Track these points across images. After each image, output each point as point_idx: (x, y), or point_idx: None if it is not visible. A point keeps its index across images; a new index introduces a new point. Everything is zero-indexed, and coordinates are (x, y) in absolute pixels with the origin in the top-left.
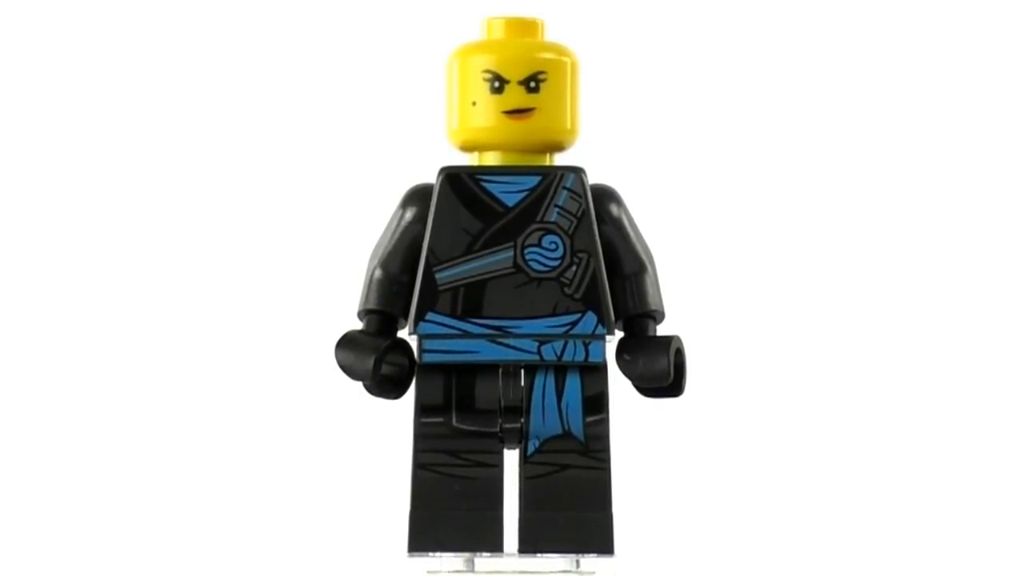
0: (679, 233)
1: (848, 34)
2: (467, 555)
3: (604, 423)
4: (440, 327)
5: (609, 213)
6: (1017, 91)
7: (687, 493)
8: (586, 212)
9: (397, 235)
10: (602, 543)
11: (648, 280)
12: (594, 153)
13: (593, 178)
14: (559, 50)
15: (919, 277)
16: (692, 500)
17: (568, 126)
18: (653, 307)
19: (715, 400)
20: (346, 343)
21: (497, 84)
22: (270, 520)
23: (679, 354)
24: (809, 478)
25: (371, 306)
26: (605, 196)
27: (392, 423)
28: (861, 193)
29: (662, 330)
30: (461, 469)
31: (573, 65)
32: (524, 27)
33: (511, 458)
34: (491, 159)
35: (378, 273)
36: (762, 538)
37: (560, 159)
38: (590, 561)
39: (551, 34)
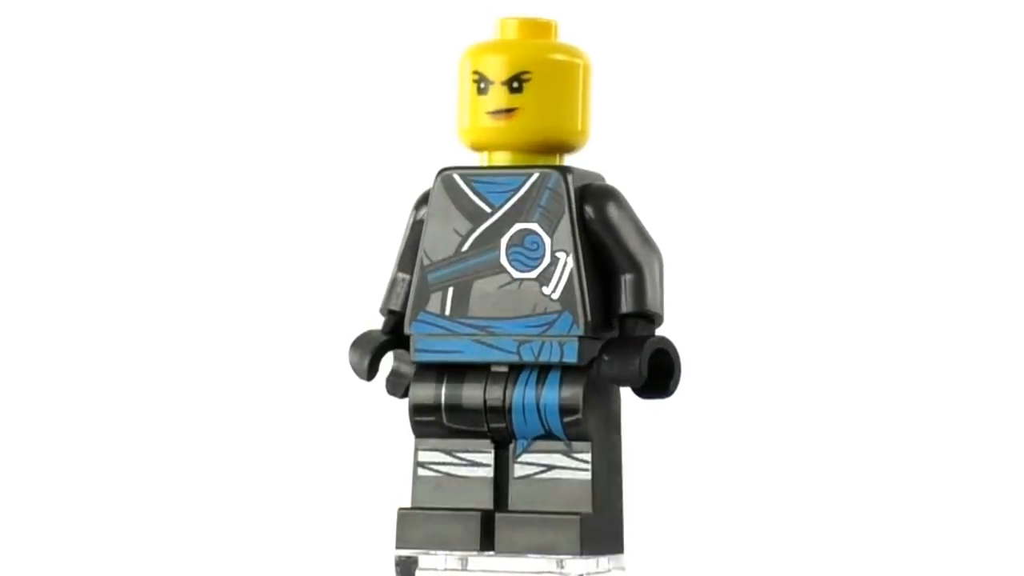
0: (687, 234)
1: (847, 34)
2: (461, 554)
3: (581, 424)
4: (431, 327)
5: (602, 212)
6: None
7: (680, 493)
8: (565, 212)
9: (407, 236)
10: (569, 544)
11: (641, 281)
12: (606, 154)
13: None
14: (548, 49)
15: (919, 279)
16: (685, 500)
17: (561, 125)
18: (640, 308)
19: (713, 400)
20: (355, 342)
21: (483, 85)
22: (274, 517)
23: (664, 354)
24: (807, 479)
25: (386, 306)
26: (600, 195)
27: (402, 421)
28: (867, 195)
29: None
30: (457, 468)
31: (568, 65)
32: (523, 27)
33: None
34: (499, 159)
35: (393, 273)
36: (756, 540)
37: (570, 160)
38: (584, 562)
39: (564, 34)
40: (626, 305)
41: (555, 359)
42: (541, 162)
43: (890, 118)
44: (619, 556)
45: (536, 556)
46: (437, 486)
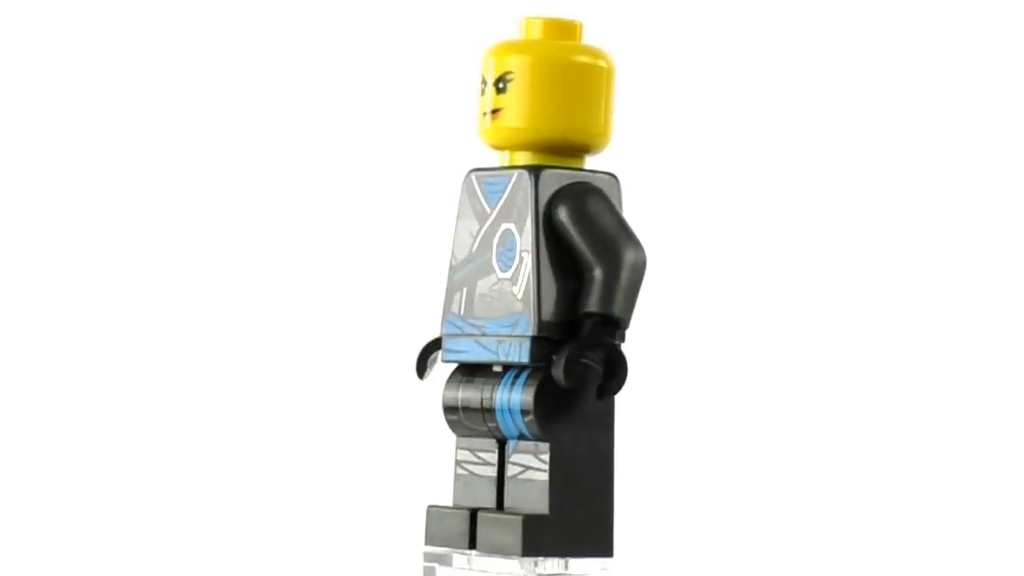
0: (705, 236)
1: (844, 33)
2: (470, 552)
3: (535, 425)
4: (453, 327)
5: (568, 211)
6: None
7: (678, 497)
8: (530, 211)
9: None
10: (512, 545)
11: (601, 282)
12: (635, 156)
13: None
14: (533, 48)
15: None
16: (683, 505)
17: (553, 125)
18: (596, 309)
19: (717, 402)
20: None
21: (482, 87)
22: (330, 514)
23: (611, 354)
24: (808, 484)
25: None
26: (571, 194)
27: None
28: (893, 194)
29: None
30: (477, 467)
31: (558, 64)
32: (532, 27)
33: None
34: (519, 159)
35: None
36: (753, 546)
37: (592, 161)
38: (554, 563)
39: (601, 36)
40: (583, 305)
41: (516, 359)
42: (554, 162)
43: (901, 119)
44: (606, 559)
45: (505, 556)
46: (466, 484)
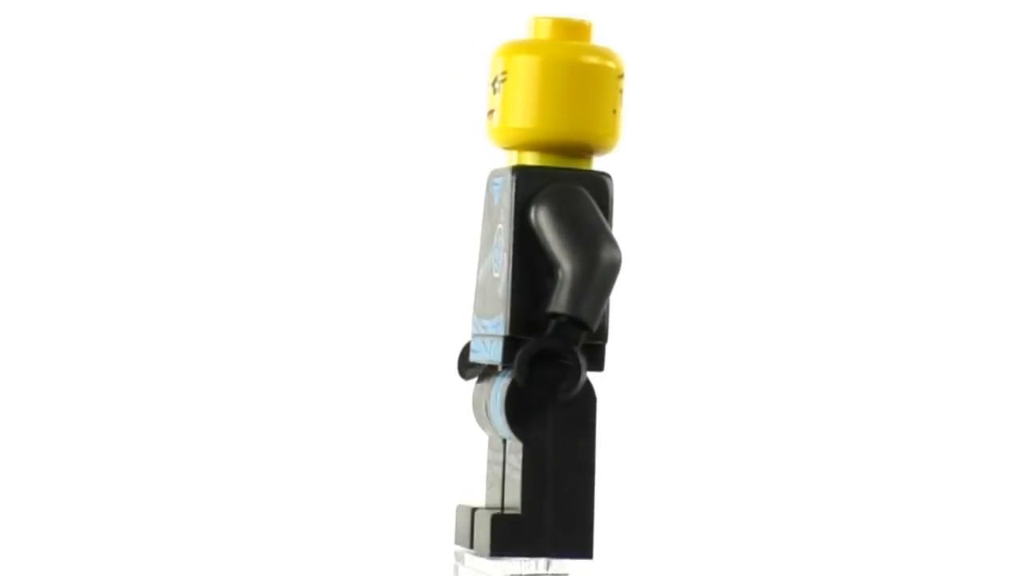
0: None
1: (848, 39)
2: (471, 551)
3: (506, 425)
4: (474, 326)
5: (543, 212)
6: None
7: (664, 499)
8: (511, 211)
9: None
10: (483, 545)
11: (568, 283)
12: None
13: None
14: (523, 48)
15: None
16: (667, 507)
17: (530, 125)
18: (561, 310)
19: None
20: None
21: (487, 88)
22: (387, 511)
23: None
24: (784, 482)
25: None
26: (547, 195)
27: None
28: (869, 199)
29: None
30: (495, 467)
31: (542, 64)
32: (543, 26)
33: None
34: (527, 159)
35: None
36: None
37: (598, 162)
38: (534, 563)
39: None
40: (551, 305)
41: (496, 359)
42: (558, 162)
43: (901, 126)
44: (585, 560)
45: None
46: (489, 483)
